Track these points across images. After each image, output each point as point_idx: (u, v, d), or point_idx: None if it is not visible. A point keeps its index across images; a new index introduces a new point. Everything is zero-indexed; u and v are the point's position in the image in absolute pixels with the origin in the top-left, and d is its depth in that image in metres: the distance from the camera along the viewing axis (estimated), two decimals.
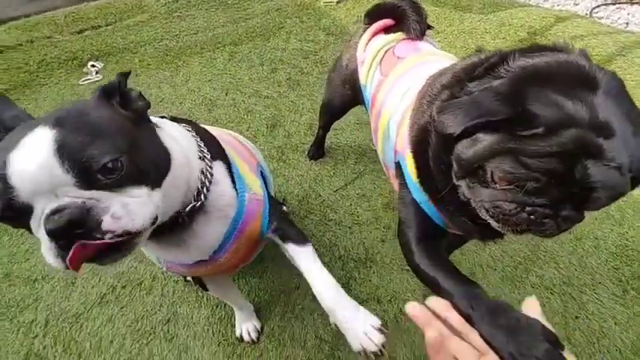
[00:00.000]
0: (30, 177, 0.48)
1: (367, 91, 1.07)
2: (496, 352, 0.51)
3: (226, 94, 2.14)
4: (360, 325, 0.69)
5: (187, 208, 0.67)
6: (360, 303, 1.22)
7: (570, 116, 0.47)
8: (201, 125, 0.88)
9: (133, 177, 0.54)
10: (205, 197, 0.70)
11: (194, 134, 0.76)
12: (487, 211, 0.57)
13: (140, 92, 0.65)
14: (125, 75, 0.62)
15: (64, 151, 0.48)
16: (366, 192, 1.58)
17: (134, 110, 0.61)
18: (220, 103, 2.08)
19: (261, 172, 0.97)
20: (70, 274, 0.50)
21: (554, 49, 0.58)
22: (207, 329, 1.22)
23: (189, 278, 1.22)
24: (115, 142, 0.52)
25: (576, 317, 1.14)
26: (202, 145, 0.74)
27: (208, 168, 0.72)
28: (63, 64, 2.44)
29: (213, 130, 0.91)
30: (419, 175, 0.73)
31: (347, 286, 1.29)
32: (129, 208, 0.52)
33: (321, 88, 2.10)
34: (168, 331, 1.22)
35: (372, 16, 1.15)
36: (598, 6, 2.86)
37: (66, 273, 0.52)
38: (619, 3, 2.86)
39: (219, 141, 0.84)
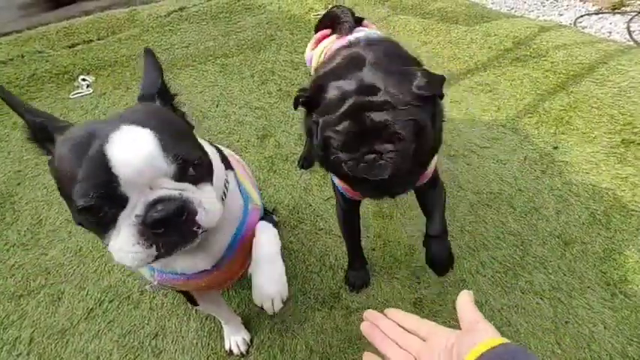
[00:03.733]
0: (136, 167, 0.50)
1: None
2: None
3: (217, 106, 2.15)
4: (273, 292, 0.73)
5: None
6: (350, 312, 1.23)
7: (345, 91, 0.73)
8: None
9: (205, 175, 0.60)
10: (223, 205, 0.72)
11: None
12: (350, 171, 0.78)
13: (184, 113, 0.71)
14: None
15: (165, 146, 0.53)
16: None
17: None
18: (211, 115, 2.09)
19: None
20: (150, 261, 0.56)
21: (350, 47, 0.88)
22: (196, 343, 1.21)
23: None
24: (195, 143, 0.61)
25: (566, 322, 1.14)
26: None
27: (226, 178, 0.76)
28: (54, 78, 2.45)
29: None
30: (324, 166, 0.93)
31: (337, 295, 1.28)
32: (212, 204, 0.58)
33: None
34: (156, 346, 1.20)
35: (317, 28, 1.36)
36: (582, 16, 2.94)
37: (148, 261, 0.55)
38: (602, 13, 2.95)
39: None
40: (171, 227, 0.53)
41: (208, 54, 2.58)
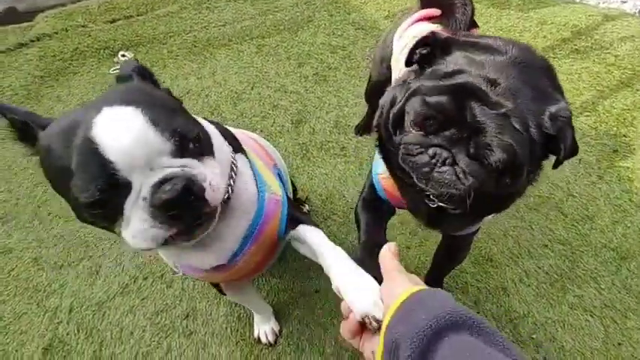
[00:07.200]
0: (128, 148, 0.47)
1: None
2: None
3: (252, 88, 2.11)
4: (369, 298, 0.56)
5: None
6: None
7: (466, 69, 0.57)
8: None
9: (206, 148, 0.56)
10: (232, 190, 0.67)
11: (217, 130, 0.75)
12: (401, 158, 0.63)
13: (168, 89, 0.64)
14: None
15: (158, 123, 0.49)
16: None
17: None
18: (246, 97, 2.06)
19: (278, 174, 0.94)
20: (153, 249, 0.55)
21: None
22: (226, 327, 1.21)
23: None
24: (189, 116, 0.55)
25: (619, 344, 1.06)
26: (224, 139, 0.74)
27: (233, 160, 0.70)
28: (95, 52, 2.48)
29: (232, 130, 0.90)
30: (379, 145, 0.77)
31: None
32: (218, 178, 0.54)
33: (348, 85, 2.05)
34: (187, 327, 1.22)
35: (424, 1, 1.13)
36: None
37: (162, 242, 0.53)
38: None
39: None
40: (182, 207, 0.49)
41: (245, 34, 2.53)
